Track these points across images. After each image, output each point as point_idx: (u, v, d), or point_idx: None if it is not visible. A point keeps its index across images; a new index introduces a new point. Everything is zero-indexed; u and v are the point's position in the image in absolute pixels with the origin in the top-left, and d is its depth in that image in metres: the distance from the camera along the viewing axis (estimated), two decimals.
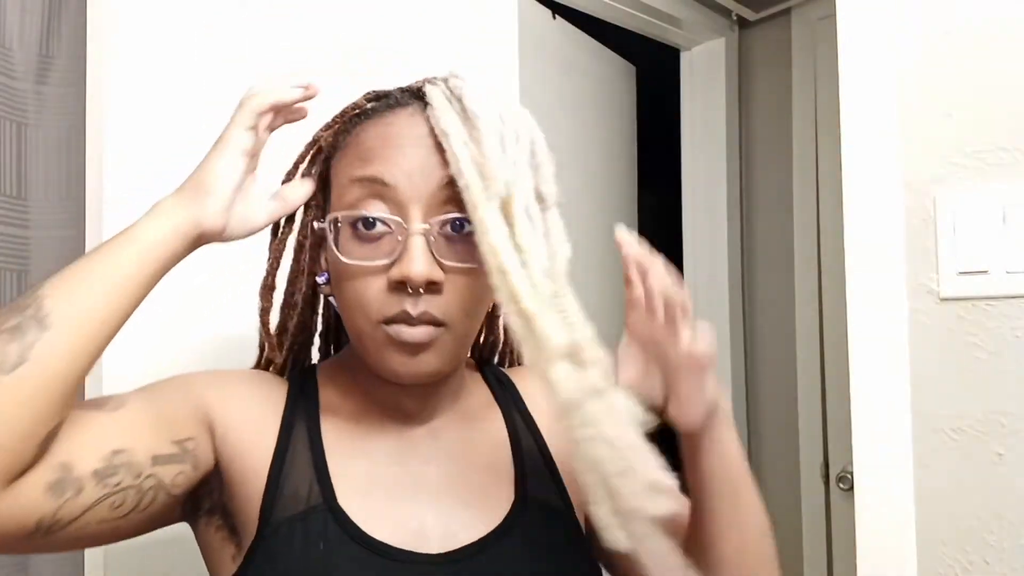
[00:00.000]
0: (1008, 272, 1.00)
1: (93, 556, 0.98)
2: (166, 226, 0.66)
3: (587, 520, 0.77)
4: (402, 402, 0.75)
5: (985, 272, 1.01)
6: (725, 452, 0.69)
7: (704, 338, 0.65)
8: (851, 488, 1.10)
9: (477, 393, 0.82)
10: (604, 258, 2.25)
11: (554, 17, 1.98)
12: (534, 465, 0.78)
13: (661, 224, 2.66)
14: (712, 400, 0.66)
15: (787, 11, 2.35)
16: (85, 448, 0.61)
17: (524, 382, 0.84)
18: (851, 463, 1.10)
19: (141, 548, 1.00)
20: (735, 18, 2.40)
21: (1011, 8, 1.01)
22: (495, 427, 0.79)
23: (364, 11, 1.31)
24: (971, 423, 1.02)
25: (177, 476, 0.67)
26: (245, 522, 0.70)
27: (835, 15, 1.13)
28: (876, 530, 1.07)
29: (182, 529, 0.76)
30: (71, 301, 0.59)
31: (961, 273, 1.03)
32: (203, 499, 0.72)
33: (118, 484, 0.63)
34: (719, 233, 2.39)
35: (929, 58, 1.06)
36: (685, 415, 0.66)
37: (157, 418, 0.67)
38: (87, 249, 1.01)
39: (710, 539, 0.71)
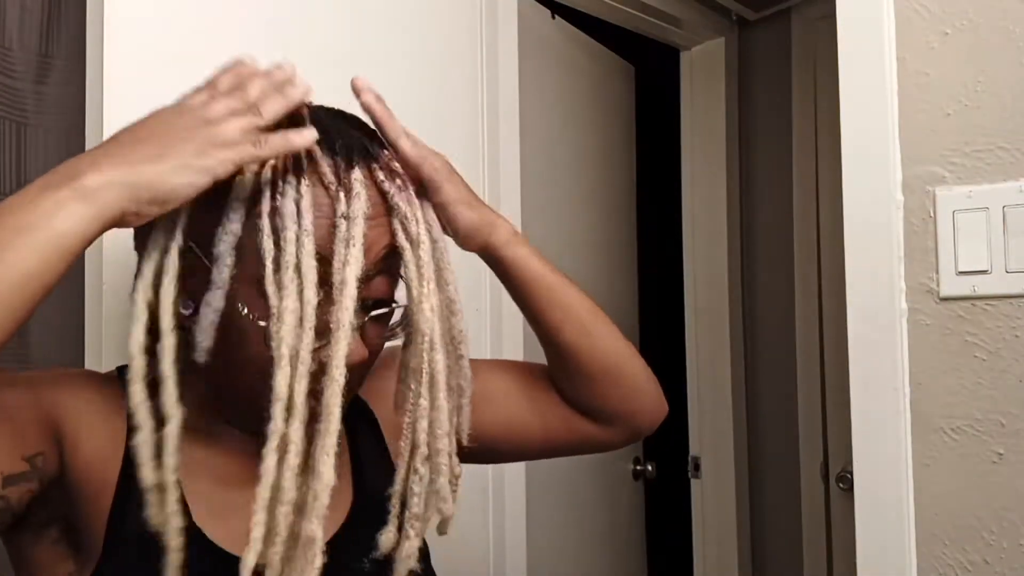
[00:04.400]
0: (1008, 272, 1.00)
1: None
2: (88, 216, 0.56)
3: None
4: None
5: (985, 272, 1.01)
6: (520, 262, 0.81)
7: (408, 144, 0.73)
8: (851, 488, 1.10)
9: None
10: (604, 258, 2.25)
11: (553, 17, 1.98)
12: (370, 459, 0.80)
13: (661, 224, 2.66)
14: (470, 214, 0.77)
15: (787, 11, 2.35)
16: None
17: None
18: (851, 463, 1.10)
19: None
20: (735, 18, 2.40)
21: (1011, 8, 1.01)
22: None
23: (364, 11, 1.31)
24: (971, 423, 1.02)
25: (24, 495, 0.63)
26: (91, 536, 0.66)
27: (835, 15, 1.13)
28: (876, 530, 1.07)
29: None
30: None
31: (961, 273, 1.03)
32: (36, 511, 0.66)
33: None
34: (719, 233, 2.39)
35: (929, 58, 1.06)
36: (450, 225, 0.76)
37: (9, 434, 0.62)
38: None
39: (549, 333, 0.83)
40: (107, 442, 0.68)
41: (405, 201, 0.69)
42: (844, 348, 1.11)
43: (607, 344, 0.86)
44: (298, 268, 0.61)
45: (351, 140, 0.68)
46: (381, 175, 0.68)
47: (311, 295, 0.61)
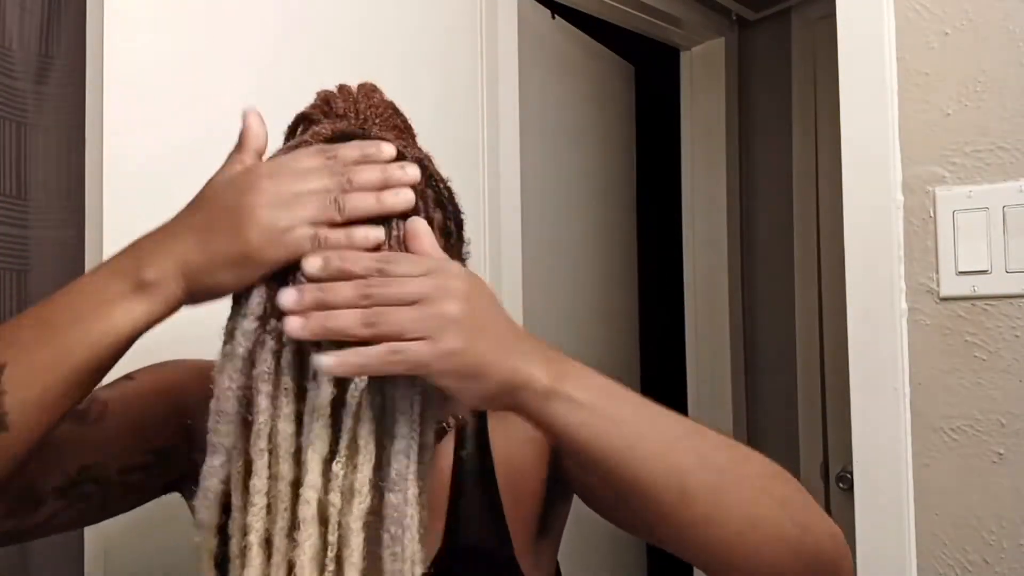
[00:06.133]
0: (1008, 272, 1.00)
1: (93, 557, 0.98)
2: (145, 312, 0.56)
3: (536, 549, 0.75)
4: None
5: (985, 272, 1.01)
6: (558, 429, 0.56)
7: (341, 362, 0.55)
8: (851, 488, 1.10)
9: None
10: (604, 258, 2.25)
11: (553, 17, 1.98)
12: (471, 504, 0.73)
13: (661, 224, 2.66)
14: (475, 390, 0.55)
15: (787, 11, 2.34)
16: (50, 467, 0.62)
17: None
18: (851, 463, 1.10)
19: (141, 549, 1.00)
20: (735, 18, 2.40)
21: (1011, 8, 1.01)
22: (439, 464, 0.74)
23: (364, 11, 1.31)
24: (971, 423, 1.02)
25: (148, 480, 0.66)
26: None
27: (835, 15, 1.13)
28: (876, 530, 1.07)
29: (183, 528, 0.76)
30: (29, 398, 0.55)
31: (960, 273, 1.03)
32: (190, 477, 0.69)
33: (81, 494, 0.64)
34: (719, 233, 2.39)
35: (929, 58, 1.06)
36: (465, 397, 0.56)
37: (134, 427, 0.65)
38: (86, 249, 1.00)
39: (673, 545, 0.59)
40: None
41: None
42: (844, 348, 1.11)
43: (751, 544, 0.57)
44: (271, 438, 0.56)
45: None
46: None
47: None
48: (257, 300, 0.57)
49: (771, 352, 2.40)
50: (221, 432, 0.56)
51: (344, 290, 0.54)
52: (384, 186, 0.57)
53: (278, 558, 0.55)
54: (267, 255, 0.55)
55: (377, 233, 0.56)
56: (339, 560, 0.54)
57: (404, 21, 1.38)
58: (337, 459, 0.55)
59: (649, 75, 2.49)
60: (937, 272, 1.04)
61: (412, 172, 0.59)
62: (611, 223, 2.27)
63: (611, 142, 2.28)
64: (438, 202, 0.63)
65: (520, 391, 0.55)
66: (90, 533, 0.99)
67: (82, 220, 1.02)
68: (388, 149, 0.59)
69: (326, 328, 0.53)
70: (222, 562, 0.58)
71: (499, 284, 1.52)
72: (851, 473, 1.10)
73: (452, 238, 0.65)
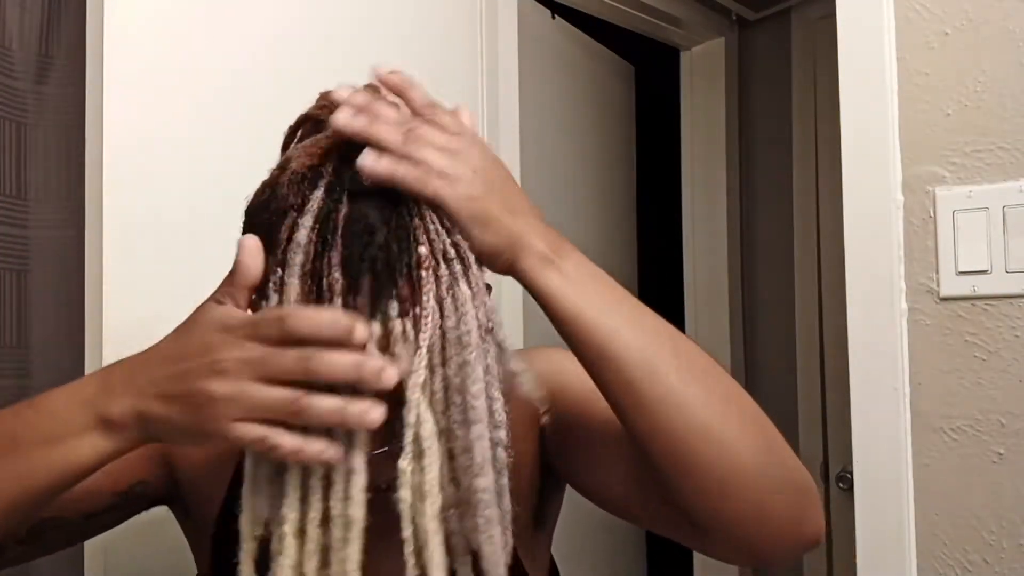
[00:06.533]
0: (1008, 272, 1.00)
1: (93, 556, 0.98)
2: (107, 449, 0.55)
3: (531, 540, 0.76)
4: None
5: (985, 272, 1.01)
6: (547, 296, 0.58)
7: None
8: (851, 488, 1.10)
9: None
10: (604, 258, 2.25)
11: (553, 17, 1.98)
12: None
13: (661, 224, 2.66)
14: (484, 238, 0.57)
15: (787, 11, 2.35)
16: (104, 483, 0.65)
17: None
18: (851, 463, 1.10)
19: (142, 550, 1.00)
20: (735, 18, 2.40)
21: (1011, 8, 1.01)
22: None
23: (363, 11, 1.31)
24: (971, 423, 1.02)
25: (119, 514, 0.69)
26: (202, 542, 0.72)
27: (835, 15, 1.13)
28: (876, 530, 1.07)
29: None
30: None
31: (960, 273, 1.03)
32: (173, 502, 0.75)
33: (44, 540, 0.66)
34: (719, 233, 2.39)
35: (929, 58, 1.06)
36: (472, 243, 0.58)
37: (95, 479, 0.62)
38: (86, 249, 1.00)
39: (617, 413, 0.59)
40: (214, 461, 0.72)
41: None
42: (844, 348, 1.11)
43: (714, 446, 0.57)
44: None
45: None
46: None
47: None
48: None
49: (771, 352, 2.40)
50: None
51: (392, 113, 0.59)
52: (356, 383, 0.53)
53: (311, 547, 0.56)
54: (221, 440, 0.53)
55: (333, 451, 0.54)
56: (421, 559, 0.55)
57: (404, 21, 1.38)
58: (404, 455, 0.55)
59: (649, 75, 2.49)
60: (937, 272, 1.04)
61: (388, 377, 0.53)
62: (611, 223, 2.27)
63: (611, 142, 2.28)
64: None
65: (521, 251, 0.58)
66: None
67: (82, 220, 1.02)
68: (361, 330, 0.53)
69: (368, 130, 0.57)
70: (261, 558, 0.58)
71: (499, 283, 1.52)
72: (851, 473, 1.10)
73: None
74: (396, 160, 0.56)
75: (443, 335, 0.56)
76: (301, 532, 0.56)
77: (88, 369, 0.98)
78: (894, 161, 1.07)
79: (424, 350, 0.55)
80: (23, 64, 0.99)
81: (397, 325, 0.56)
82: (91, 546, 0.98)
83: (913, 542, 1.05)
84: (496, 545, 0.56)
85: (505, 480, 0.58)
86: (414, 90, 0.62)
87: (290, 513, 0.56)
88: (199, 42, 1.09)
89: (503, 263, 0.59)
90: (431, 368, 0.56)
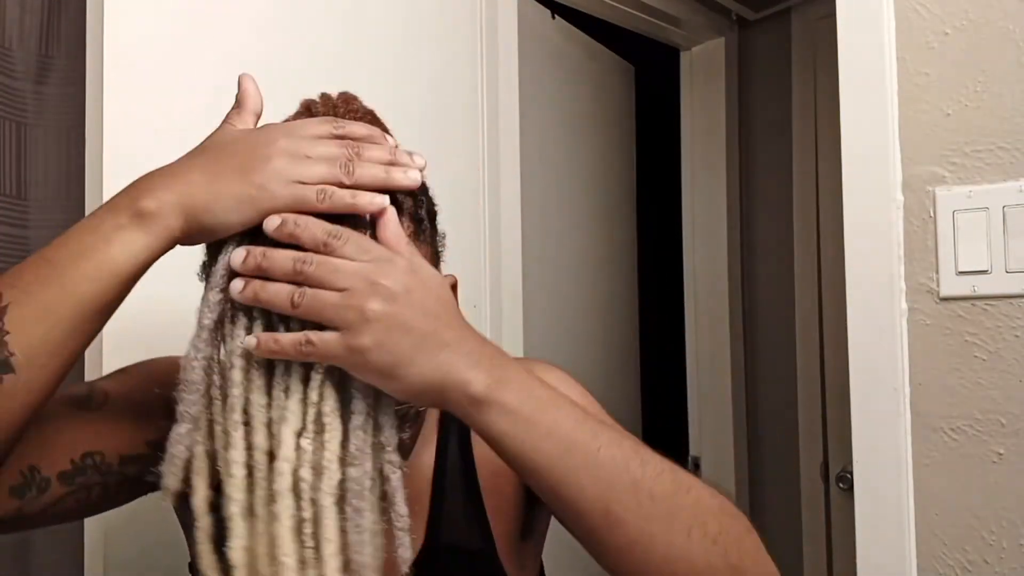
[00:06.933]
0: (1008, 272, 1.00)
1: (93, 555, 0.98)
2: (142, 244, 0.56)
3: (519, 550, 0.75)
4: None
5: (985, 272, 1.01)
6: (493, 439, 0.55)
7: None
8: (851, 488, 1.10)
9: (425, 417, 0.77)
10: (604, 258, 2.25)
11: (553, 17, 1.98)
12: (454, 503, 0.73)
13: (661, 224, 2.66)
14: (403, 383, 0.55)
15: (787, 11, 2.35)
16: (55, 451, 0.63)
17: None
18: (851, 463, 1.10)
19: (142, 548, 1.00)
20: (735, 18, 2.40)
21: (1011, 8, 1.01)
22: (421, 461, 0.75)
23: (363, 11, 1.31)
24: (971, 423, 1.02)
25: (145, 472, 0.66)
26: None
27: (835, 15, 1.13)
28: (876, 530, 1.07)
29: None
30: (34, 338, 0.55)
31: (960, 273, 1.03)
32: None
33: (84, 482, 0.65)
34: (719, 233, 2.39)
35: (929, 58, 1.06)
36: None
37: (135, 416, 0.67)
38: None
39: (599, 560, 0.57)
40: None
41: None
42: (844, 348, 1.11)
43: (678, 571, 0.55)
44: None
45: None
46: None
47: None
48: (221, 272, 0.58)
49: (771, 352, 2.40)
50: (187, 402, 0.58)
51: (283, 261, 0.55)
52: (392, 164, 0.60)
53: (260, 528, 0.55)
54: (272, 201, 0.56)
55: (382, 200, 0.57)
56: (316, 534, 0.55)
57: (403, 21, 1.38)
58: (305, 434, 0.55)
59: (649, 75, 2.49)
60: (937, 272, 1.04)
61: (419, 160, 0.61)
62: (611, 223, 2.27)
63: (611, 142, 2.28)
64: (424, 188, 0.65)
65: (449, 392, 0.55)
66: (90, 525, 0.99)
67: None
68: (390, 138, 0.63)
69: (258, 297, 0.56)
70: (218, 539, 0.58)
71: (499, 284, 1.52)
72: (851, 473, 1.10)
73: (423, 225, 0.65)
74: (276, 340, 0.55)
75: None
76: (251, 512, 0.56)
77: (89, 367, 0.98)
78: (894, 161, 1.07)
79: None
80: (23, 64, 0.99)
81: None
82: (91, 539, 0.98)
83: (913, 542, 1.05)
84: (364, 535, 0.55)
85: (396, 484, 0.57)
86: (304, 230, 0.56)
87: (236, 493, 0.56)
88: (199, 42, 1.09)
89: (432, 404, 0.57)
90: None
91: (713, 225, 2.41)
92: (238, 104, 0.64)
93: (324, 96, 0.70)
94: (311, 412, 0.56)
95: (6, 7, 0.98)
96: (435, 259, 0.68)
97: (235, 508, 0.56)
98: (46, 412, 0.60)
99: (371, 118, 0.70)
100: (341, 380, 0.57)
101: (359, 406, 0.56)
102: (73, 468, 0.64)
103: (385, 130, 0.72)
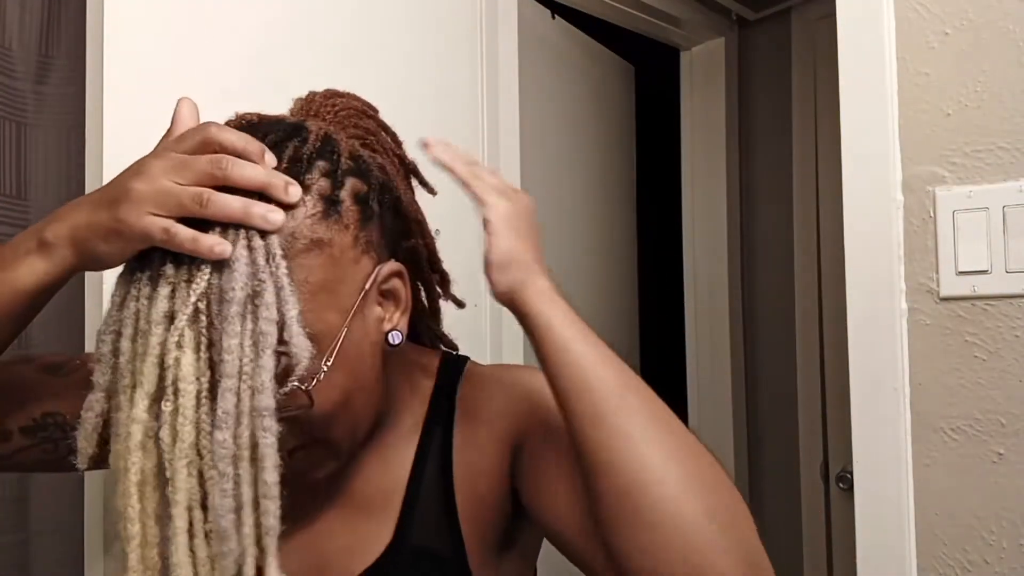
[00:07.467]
0: (1008, 272, 1.00)
1: (93, 555, 0.99)
2: (43, 270, 0.61)
3: (498, 561, 0.74)
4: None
5: (985, 272, 1.01)
6: (532, 318, 0.64)
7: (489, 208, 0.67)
8: (851, 488, 1.10)
9: (407, 417, 0.77)
10: (603, 258, 2.25)
11: (553, 17, 1.98)
12: (427, 505, 0.73)
13: (661, 224, 2.66)
14: (499, 278, 0.64)
15: (787, 11, 2.35)
16: (17, 408, 0.72)
17: (470, 401, 0.76)
18: (851, 463, 1.10)
19: None
20: (735, 18, 2.40)
21: (1011, 8, 1.01)
22: (400, 460, 0.75)
23: (364, 11, 1.31)
24: (971, 423, 1.02)
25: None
26: None
27: (835, 15, 1.13)
28: (876, 530, 1.07)
29: None
30: None
31: (960, 273, 1.03)
32: None
33: (46, 437, 0.72)
34: (719, 233, 2.39)
35: (929, 58, 1.06)
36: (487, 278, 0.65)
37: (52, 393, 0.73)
38: None
39: (575, 439, 0.60)
40: None
41: None
42: (844, 348, 1.11)
43: (667, 490, 0.56)
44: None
45: None
46: None
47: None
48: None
49: (771, 352, 2.40)
50: (97, 371, 0.60)
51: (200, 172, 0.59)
52: (263, 188, 0.59)
53: (120, 487, 0.58)
54: (131, 232, 0.58)
55: (222, 250, 0.57)
56: (160, 489, 0.57)
57: (403, 21, 1.38)
58: (166, 399, 0.57)
59: (649, 75, 2.49)
60: (937, 272, 1.04)
61: (293, 192, 0.60)
62: (611, 223, 2.27)
63: (611, 142, 2.28)
64: (358, 172, 0.66)
65: (528, 282, 0.66)
66: (90, 521, 0.99)
67: None
68: (269, 158, 0.61)
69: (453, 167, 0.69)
70: None
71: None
72: (851, 473, 1.11)
73: (338, 207, 0.64)
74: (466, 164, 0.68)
75: (218, 288, 0.58)
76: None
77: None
78: (894, 161, 1.07)
79: (194, 296, 0.57)
80: (23, 64, 0.99)
81: None
82: (90, 532, 0.98)
83: (913, 542, 1.05)
84: (226, 499, 0.56)
85: (268, 449, 0.57)
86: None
87: (120, 451, 0.58)
88: (199, 42, 1.09)
89: (507, 300, 0.65)
90: (196, 313, 0.57)
91: (713, 225, 2.41)
92: (171, 129, 0.64)
93: (308, 94, 0.72)
94: (169, 375, 0.57)
95: (6, 7, 0.98)
96: (368, 246, 0.66)
97: (120, 464, 0.58)
98: (20, 375, 0.72)
99: (355, 113, 0.72)
100: (209, 343, 0.58)
101: (229, 368, 0.57)
102: (34, 424, 0.72)
103: (377, 127, 0.73)
